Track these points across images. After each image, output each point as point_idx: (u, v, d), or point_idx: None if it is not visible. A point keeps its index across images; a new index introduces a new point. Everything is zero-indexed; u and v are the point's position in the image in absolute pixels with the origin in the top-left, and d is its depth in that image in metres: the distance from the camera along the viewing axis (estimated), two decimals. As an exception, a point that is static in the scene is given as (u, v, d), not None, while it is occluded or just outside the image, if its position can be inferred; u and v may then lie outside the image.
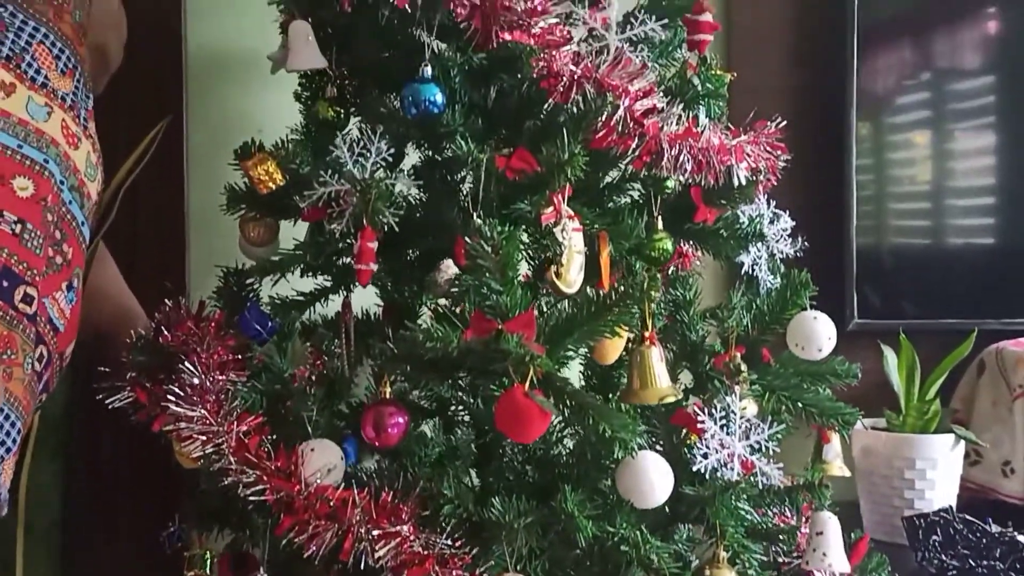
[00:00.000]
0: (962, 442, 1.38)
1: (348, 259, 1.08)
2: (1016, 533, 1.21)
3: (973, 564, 1.21)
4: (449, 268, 1.09)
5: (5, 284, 0.87)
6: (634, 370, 0.89)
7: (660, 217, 1.07)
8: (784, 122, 1.10)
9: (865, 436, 1.39)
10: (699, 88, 1.13)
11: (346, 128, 1.10)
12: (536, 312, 0.91)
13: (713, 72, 1.15)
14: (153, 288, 1.36)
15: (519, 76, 1.00)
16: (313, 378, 1.12)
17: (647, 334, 0.90)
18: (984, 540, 1.21)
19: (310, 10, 1.03)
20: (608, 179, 1.13)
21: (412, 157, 1.14)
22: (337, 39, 1.06)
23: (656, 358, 0.89)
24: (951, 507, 1.27)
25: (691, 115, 1.04)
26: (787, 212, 1.16)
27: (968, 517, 1.23)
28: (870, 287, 1.53)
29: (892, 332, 1.45)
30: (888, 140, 1.59)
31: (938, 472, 1.34)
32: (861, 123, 1.53)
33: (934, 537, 1.23)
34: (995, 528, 1.21)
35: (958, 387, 1.52)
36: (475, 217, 0.91)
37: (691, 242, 1.14)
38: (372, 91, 1.06)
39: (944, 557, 1.22)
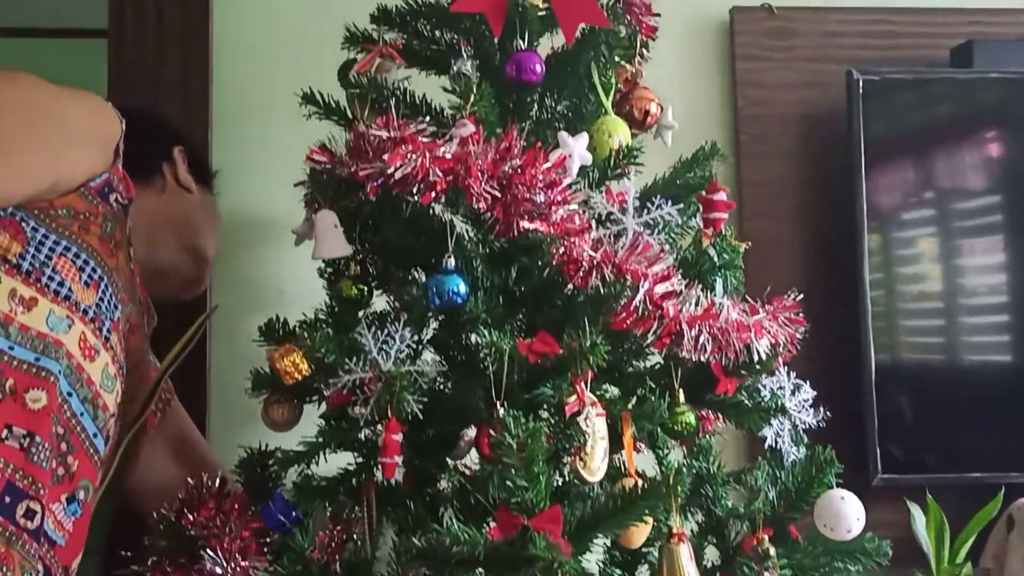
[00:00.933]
0: (997, 605, 1.35)
1: (371, 434, 1.09)
2: None
3: None
4: (471, 430, 1.10)
5: (7, 500, 0.87)
6: (663, 570, 0.88)
7: (681, 389, 1.07)
8: (800, 295, 1.12)
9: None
10: (715, 259, 1.15)
11: (369, 304, 1.12)
12: (561, 500, 0.91)
13: (728, 243, 1.17)
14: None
15: (539, 262, 1.02)
16: (333, 544, 1.11)
17: (675, 529, 0.89)
18: None
19: (335, 198, 1.06)
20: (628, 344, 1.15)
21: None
22: (361, 220, 1.09)
23: (686, 557, 0.87)
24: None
25: (709, 294, 1.05)
26: (806, 379, 1.16)
27: None
28: (893, 442, 1.51)
29: (918, 487, 1.44)
30: (902, 291, 1.60)
31: (974, 638, 1.30)
32: (873, 276, 1.55)
33: None
34: None
35: (987, 543, 1.49)
36: (499, 407, 0.92)
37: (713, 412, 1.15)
38: (396, 272, 1.08)
39: None
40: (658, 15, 1.21)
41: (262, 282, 1.59)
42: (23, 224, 0.94)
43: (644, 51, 1.21)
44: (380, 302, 1.13)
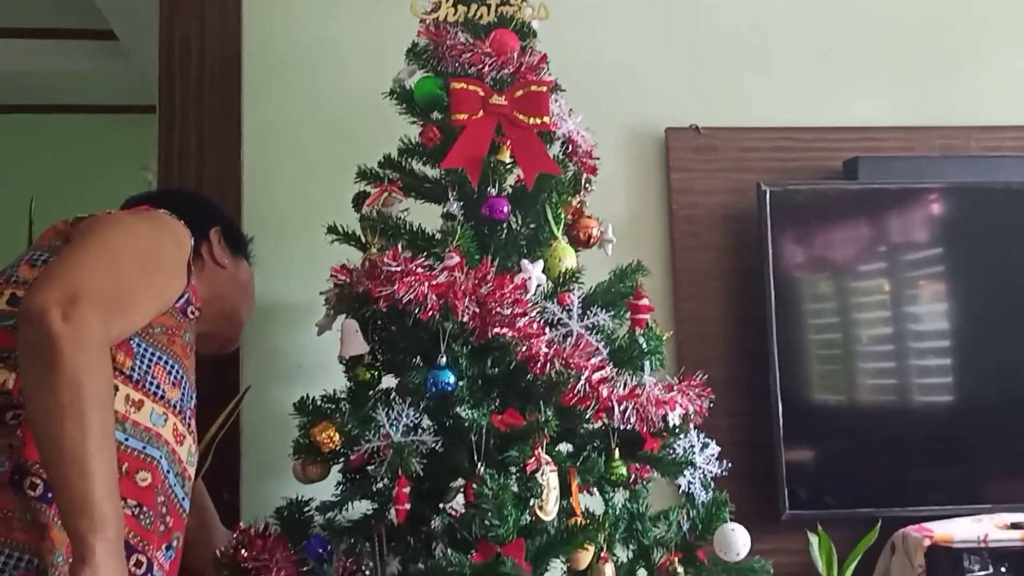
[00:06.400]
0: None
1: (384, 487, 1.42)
2: None
3: None
4: (458, 483, 1.43)
5: (123, 554, 1.15)
6: (594, 583, 1.23)
7: (617, 448, 1.42)
8: (706, 374, 1.48)
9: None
10: (644, 346, 1.50)
11: (379, 384, 1.46)
12: (525, 534, 1.26)
13: (654, 333, 1.53)
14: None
15: (508, 357, 1.37)
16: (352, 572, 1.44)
17: (603, 554, 1.24)
18: None
19: (354, 307, 1.41)
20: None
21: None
22: (374, 324, 1.44)
23: (610, 573, 1.22)
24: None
25: (638, 376, 1.40)
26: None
27: None
28: (798, 484, 1.86)
29: (818, 520, 1.78)
30: (805, 355, 1.95)
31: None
32: (780, 342, 1.90)
33: None
34: None
35: (877, 563, 1.84)
36: (479, 466, 1.26)
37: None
38: (401, 361, 1.42)
39: None
40: (598, 158, 1.58)
41: (285, 355, 1.92)
42: (131, 343, 1.25)
43: (588, 186, 1.57)
44: (386, 380, 1.48)
